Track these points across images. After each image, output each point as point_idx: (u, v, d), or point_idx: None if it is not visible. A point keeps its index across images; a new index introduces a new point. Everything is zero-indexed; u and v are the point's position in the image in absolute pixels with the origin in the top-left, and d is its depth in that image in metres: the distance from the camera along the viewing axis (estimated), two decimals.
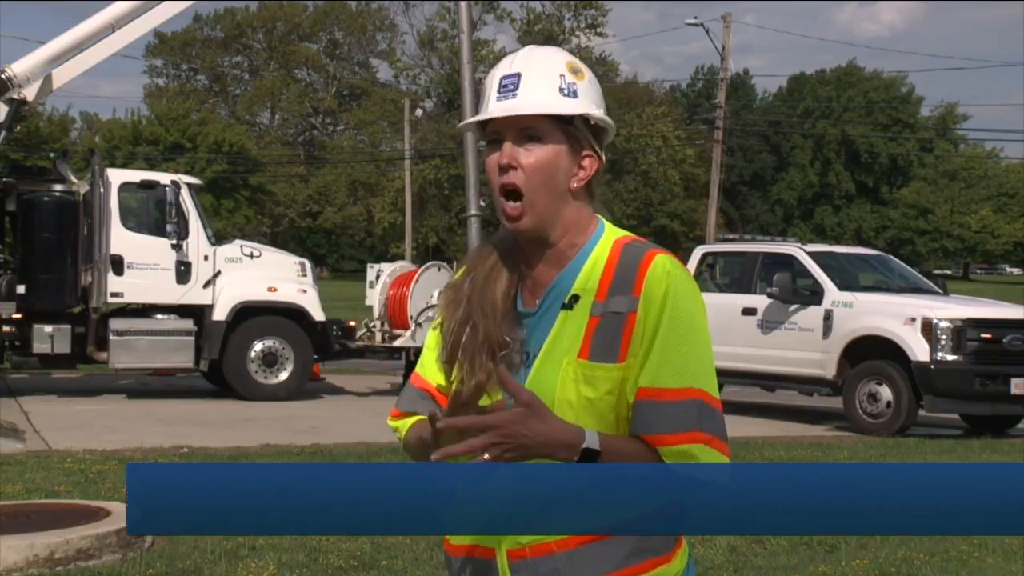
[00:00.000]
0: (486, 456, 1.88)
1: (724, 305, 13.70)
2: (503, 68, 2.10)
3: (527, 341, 2.06)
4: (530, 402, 1.91)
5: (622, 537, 2.00)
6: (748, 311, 13.85)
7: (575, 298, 2.04)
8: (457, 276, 2.20)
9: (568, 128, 2.06)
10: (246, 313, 14.89)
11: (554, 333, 2.03)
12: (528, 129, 2.04)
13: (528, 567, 2.01)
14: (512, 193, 2.04)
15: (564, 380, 2.00)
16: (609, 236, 2.10)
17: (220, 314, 14.75)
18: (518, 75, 2.06)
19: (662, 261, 2.02)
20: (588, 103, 2.08)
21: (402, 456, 8.83)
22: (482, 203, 13.74)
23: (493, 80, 2.09)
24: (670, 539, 2.06)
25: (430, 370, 2.21)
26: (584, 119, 2.07)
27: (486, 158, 2.09)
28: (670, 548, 2.05)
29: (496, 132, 2.07)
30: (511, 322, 2.08)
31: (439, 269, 16.32)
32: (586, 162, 2.08)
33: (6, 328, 14.26)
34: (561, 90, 2.06)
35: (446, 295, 2.19)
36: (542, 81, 2.05)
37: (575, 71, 2.08)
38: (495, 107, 2.06)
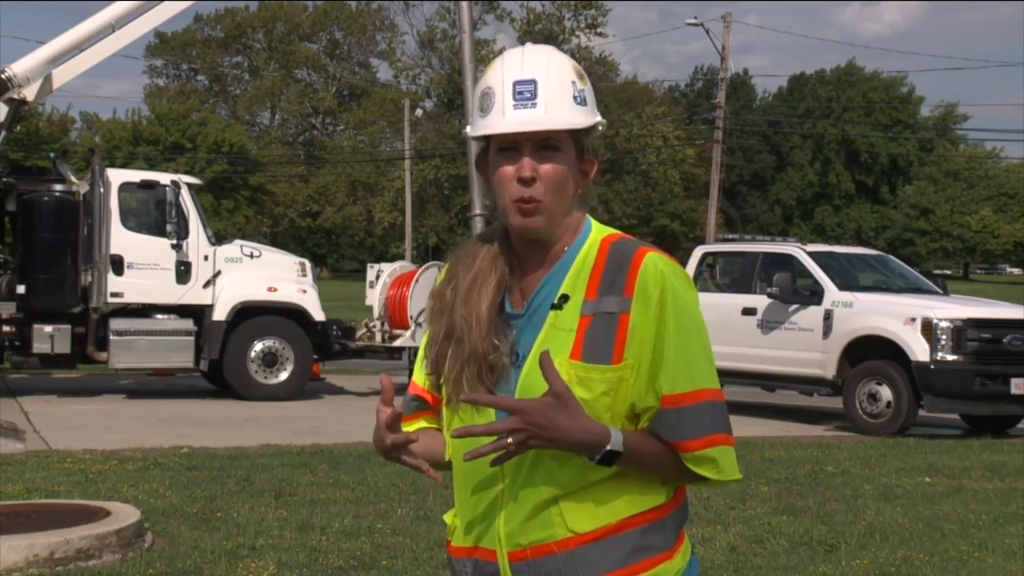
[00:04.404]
0: (509, 440, 1.89)
1: (724, 305, 13.69)
2: (514, 71, 2.04)
3: (516, 342, 2.04)
4: (562, 393, 1.91)
5: (623, 536, 2.00)
6: (748, 311, 13.83)
7: (564, 298, 2.03)
8: (440, 281, 2.16)
9: (577, 135, 2.05)
10: (246, 313, 14.88)
11: (544, 334, 2.02)
12: (547, 140, 2.01)
13: (529, 568, 2.01)
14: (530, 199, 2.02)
15: None
16: (596, 234, 2.09)
17: (220, 314, 14.73)
18: (533, 82, 2.02)
19: (653, 260, 2.01)
20: (594, 110, 2.08)
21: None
22: (486, 202, 13.70)
23: (504, 84, 2.03)
24: (671, 536, 2.05)
25: (420, 375, 2.22)
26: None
27: (496, 165, 2.04)
28: (671, 545, 2.05)
29: (511, 141, 2.02)
30: (499, 325, 2.06)
31: (439, 269, 16.26)
32: (586, 166, 2.09)
33: (6, 328, 14.25)
34: (575, 98, 2.04)
35: (430, 305, 2.17)
36: (559, 91, 2.02)
37: (580, 76, 2.07)
38: (515, 117, 2.01)
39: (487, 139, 2.06)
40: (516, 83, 2.02)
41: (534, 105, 2.01)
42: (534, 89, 2.01)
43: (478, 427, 1.94)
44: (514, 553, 2.02)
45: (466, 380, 2.04)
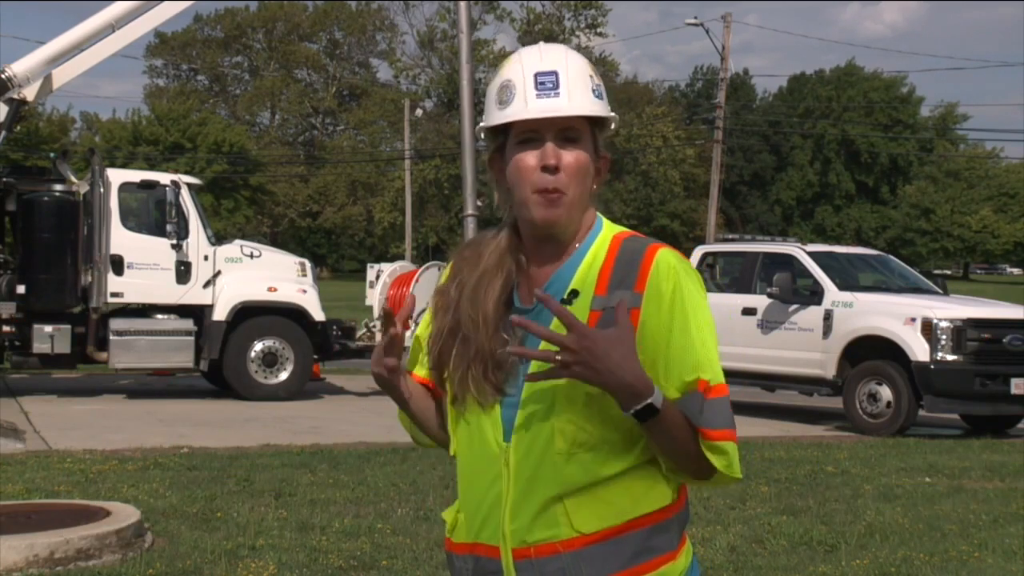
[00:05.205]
0: (557, 357, 1.88)
1: (724, 305, 13.66)
2: (534, 63, 2.05)
3: (526, 338, 2.03)
4: (624, 331, 1.90)
5: (627, 536, 2.00)
6: (748, 311, 13.84)
7: (574, 293, 2.03)
8: (443, 280, 2.16)
9: (593, 130, 2.06)
10: (246, 313, 14.87)
11: (553, 328, 2.00)
12: (569, 130, 2.02)
13: (533, 567, 2.01)
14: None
15: None
16: (607, 231, 2.09)
17: (220, 314, 14.73)
18: (555, 73, 2.03)
19: (665, 256, 2.01)
20: (608, 106, 2.10)
21: (402, 456, 8.84)
22: (479, 203, 13.68)
23: (526, 76, 2.04)
24: (674, 538, 2.06)
25: (421, 367, 2.21)
26: (600, 122, 2.08)
27: (516, 155, 2.03)
28: (674, 546, 2.05)
29: (533, 131, 2.02)
30: (507, 320, 2.05)
31: (439, 269, 16.31)
32: (602, 163, 2.09)
33: (6, 328, 14.24)
34: (593, 91, 2.06)
35: (434, 302, 2.16)
36: (580, 82, 2.04)
37: (595, 73, 2.10)
38: (539, 105, 2.01)
39: (505, 133, 2.06)
40: (538, 74, 2.04)
41: (557, 94, 2.02)
42: (556, 79, 2.03)
43: (540, 329, 1.91)
44: (518, 550, 2.02)
45: (472, 379, 2.04)
